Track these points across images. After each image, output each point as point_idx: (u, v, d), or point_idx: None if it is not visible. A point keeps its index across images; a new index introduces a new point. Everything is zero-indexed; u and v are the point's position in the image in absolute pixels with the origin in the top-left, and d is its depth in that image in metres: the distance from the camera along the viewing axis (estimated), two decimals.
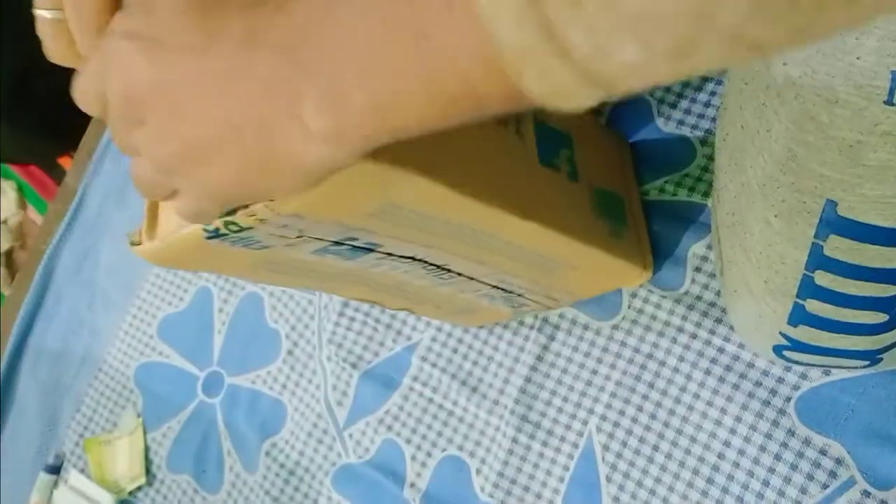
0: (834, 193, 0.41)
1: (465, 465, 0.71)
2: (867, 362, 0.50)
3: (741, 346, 0.62)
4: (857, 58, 0.37)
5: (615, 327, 0.67)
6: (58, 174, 1.49)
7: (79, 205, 1.01)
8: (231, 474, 0.82)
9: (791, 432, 0.59)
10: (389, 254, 0.52)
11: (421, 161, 0.42)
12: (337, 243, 0.47)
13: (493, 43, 0.26)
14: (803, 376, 0.60)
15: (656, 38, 0.24)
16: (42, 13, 0.43)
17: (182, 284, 0.91)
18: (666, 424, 0.64)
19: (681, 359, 0.64)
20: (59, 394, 0.95)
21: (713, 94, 0.68)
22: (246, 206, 0.40)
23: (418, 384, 0.75)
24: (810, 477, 0.58)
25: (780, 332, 0.49)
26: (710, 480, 0.61)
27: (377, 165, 0.40)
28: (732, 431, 0.61)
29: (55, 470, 0.92)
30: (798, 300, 0.46)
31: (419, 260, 0.54)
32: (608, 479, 0.65)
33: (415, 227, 0.48)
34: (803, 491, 0.58)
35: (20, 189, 1.71)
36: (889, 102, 0.37)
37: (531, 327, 0.71)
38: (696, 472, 0.62)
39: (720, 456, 0.61)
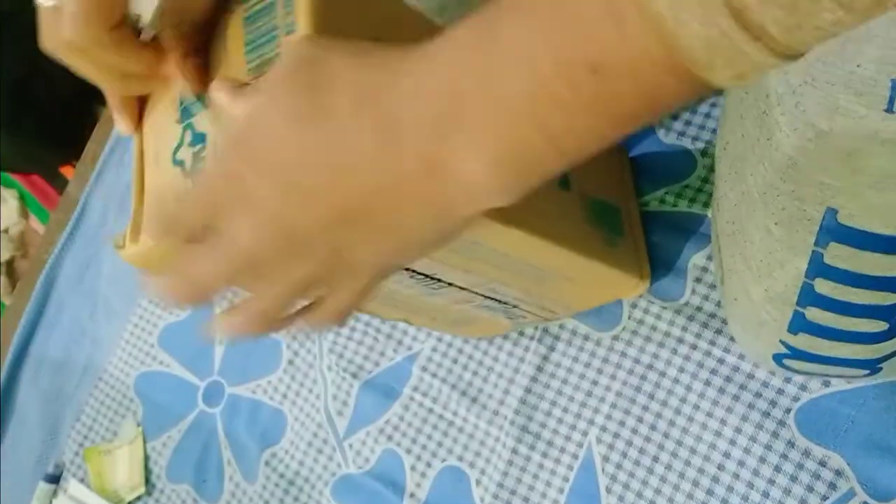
0: (834, 201, 0.42)
1: (465, 476, 0.71)
2: (867, 371, 0.50)
3: (741, 356, 0.62)
4: (858, 66, 0.37)
5: (615, 338, 0.68)
6: (60, 183, 1.49)
7: (81, 214, 1.02)
8: (231, 484, 0.82)
9: (791, 444, 0.59)
10: None
11: None
12: None
13: (678, 44, 0.27)
14: (803, 387, 0.60)
15: None
16: (44, 1, 0.43)
17: None
18: (666, 435, 0.64)
19: (681, 370, 0.64)
20: (60, 403, 0.95)
21: (713, 105, 0.68)
22: None
23: (418, 394, 0.75)
24: (810, 488, 0.58)
25: (781, 340, 0.49)
26: (709, 492, 0.61)
27: None
28: (732, 442, 0.61)
29: (55, 479, 0.92)
30: (798, 308, 0.46)
31: (406, 269, 0.53)
32: (608, 491, 0.65)
33: None
34: (803, 502, 0.58)
35: (22, 198, 1.71)
36: (889, 110, 0.38)
37: (531, 338, 0.71)
38: (695, 483, 0.62)
39: (720, 467, 0.61)
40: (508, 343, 0.72)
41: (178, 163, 0.45)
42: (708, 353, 0.63)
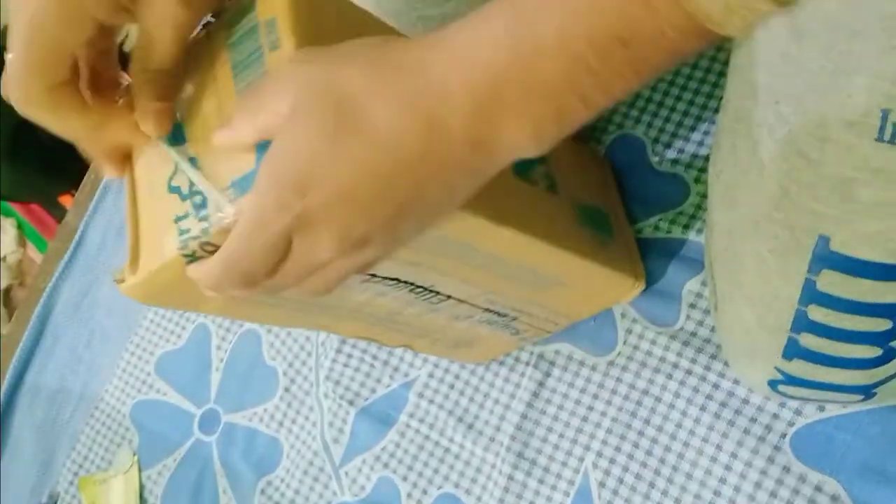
0: (826, 229, 0.42)
1: (461, 503, 0.71)
2: (862, 396, 0.50)
3: (736, 382, 0.62)
4: (848, 96, 0.38)
5: (611, 363, 0.68)
6: (58, 212, 1.50)
7: (79, 242, 1.02)
8: None
9: (787, 469, 0.59)
10: (373, 275, 0.52)
11: None
12: None
13: (700, 10, 0.32)
14: (798, 412, 0.60)
15: None
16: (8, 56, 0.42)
17: (180, 321, 0.92)
18: (662, 461, 0.64)
19: (676, 395, 0.64)
20: (56, 432, 0.95)
21: (706, 133, 0.69)
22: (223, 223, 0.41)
23: (415, 421, 0.75)
24: None
25: (775, 367, 0.49)
26: None
27: None
28: (728, 468, 0.61)
29: None
30: (792, 334, 0.47)
31: (405, 282, 0.54)
32: None
33: None
34: None
35: (20, 227, 1.71)
36: (880, 140, 0.38)
37: (527, 363, 0.71)
38: None
39: (716, 493, 0.61)
40: (505, 369, 0.72)
41: (174, 189, 0.45)
42: (703, 379, 0.64)
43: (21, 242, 1.71)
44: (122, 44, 0.49)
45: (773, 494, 0.59)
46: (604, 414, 0.67)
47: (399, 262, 0.51)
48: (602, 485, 0.65)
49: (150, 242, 0.46)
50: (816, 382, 0.49)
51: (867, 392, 0.49)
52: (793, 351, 0.48)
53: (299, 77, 0.39)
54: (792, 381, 0.50)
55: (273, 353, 0.84)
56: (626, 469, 0.65)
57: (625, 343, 0.68)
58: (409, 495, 0.73)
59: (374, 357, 0.78)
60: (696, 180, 0.68)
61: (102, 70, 0.46)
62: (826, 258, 0.43)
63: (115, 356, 0.94)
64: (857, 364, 0.47)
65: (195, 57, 0.46)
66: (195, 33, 0.46)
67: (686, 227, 0.67)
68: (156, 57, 0.44)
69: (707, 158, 0.68)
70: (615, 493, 0.65)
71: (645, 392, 0.66)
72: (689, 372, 0.64)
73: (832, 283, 0.43)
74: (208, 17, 0.47)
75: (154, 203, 0.46)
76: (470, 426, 0.72)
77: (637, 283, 0.65)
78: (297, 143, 0.38)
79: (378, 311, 0.57)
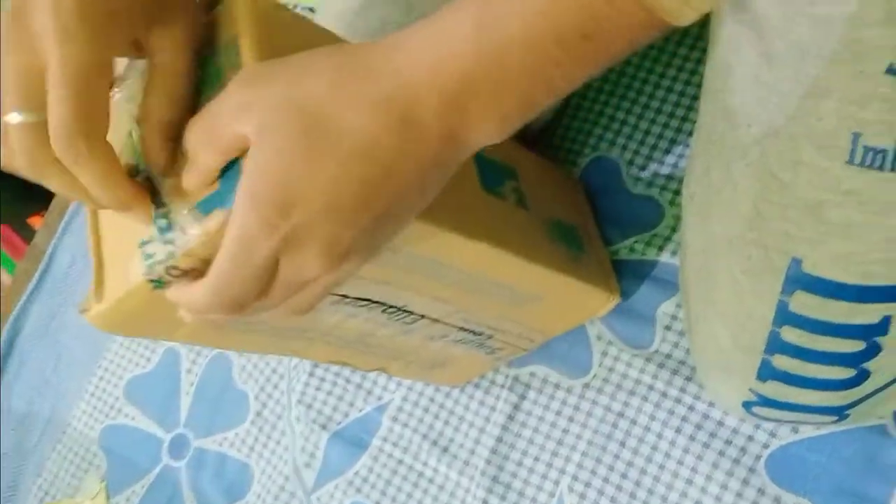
0: (799, 250, 0.42)
1: None
2: (835, 418, 0.50)
3: (711, 403, 0.62)
4: (818, 119, 0.38)
5: (586, 386, 0.68)
6: (27, 234, 1.48)
7: (48, 265, 1.01)
8: None
9: (761, 491, 0.59)
10: (343, 296, 0.51)
11: None
12: None
13: (660, 6, 0.34)
14: (773, 434, 0.60)
15: None
16: (12, 118, 0.38)
17: (150, 345, 0.90)
18: (637, 483, 0.64)
19: (651, 417, 0.64)
20: (22, 457, 0.93)
21: (681, 156, 0.70)
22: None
23: (388, 444, 0.74)
24: None
25: (750, 388, 0.49)
26: None
27: None
28: (703, 490, 0.61)
29: None
30: (766, 355, 0.47)
31: (377, 302, 0.53)
32: None
33: None
34: None
35: None
36: (850, 162, 0.38)
37: (502, 386, 0.71)
38: None
39: None
40: (480, 392, 0.72)
41: None
42: (678, 401, 0.64)
43: None
44: None
45: None
46: (579, 437, 0.67)
47: (369, 281, 0.50)
48: None
49: (115, 268, 0.45)
50: (790, 404, 0.49)
51: (841, 413, 0.49)
52: (767, 372, 0.48)
53: (261, 95, 0.38)
54: (766, 402, 0.50)
55: (245, 376, 0.83)
56: (601, 492, 0.65)
57: (600, 365, 0.67)
58: None
59: (347, 380, 0.77)
60: (671, 203, 0.68)
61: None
62: (799, 279, 0.43)
63: (83, 380, 0.93)
64: (831, 385, 0.47)
65: None
66: None
67: (661, 248, 0.68)
68: (171, 97, 0.42)
69: (681, 181, 0.69)
70: None
71: (620, 415, 0.66)
72: (664, 394, 0.64)
73: (805, 304, 0.44)
74: None
75: (117, 228, 0.46)
76: (444, 450, 0.72)
77: (611, 296, 0.65)
78: (272, 163, 0.37)
79: (349, 333, 0.57)
